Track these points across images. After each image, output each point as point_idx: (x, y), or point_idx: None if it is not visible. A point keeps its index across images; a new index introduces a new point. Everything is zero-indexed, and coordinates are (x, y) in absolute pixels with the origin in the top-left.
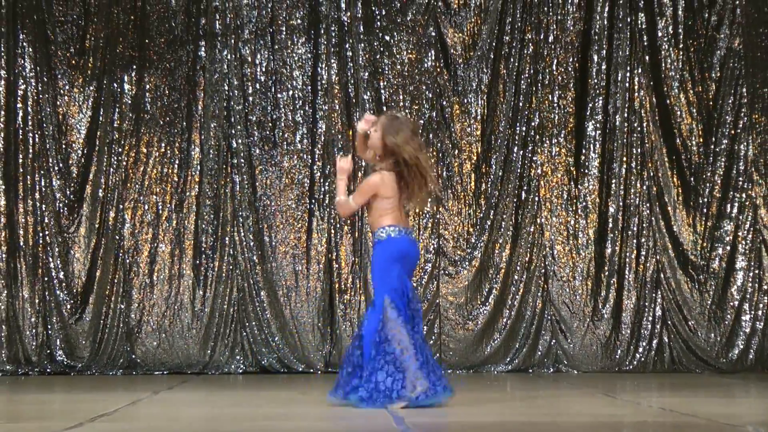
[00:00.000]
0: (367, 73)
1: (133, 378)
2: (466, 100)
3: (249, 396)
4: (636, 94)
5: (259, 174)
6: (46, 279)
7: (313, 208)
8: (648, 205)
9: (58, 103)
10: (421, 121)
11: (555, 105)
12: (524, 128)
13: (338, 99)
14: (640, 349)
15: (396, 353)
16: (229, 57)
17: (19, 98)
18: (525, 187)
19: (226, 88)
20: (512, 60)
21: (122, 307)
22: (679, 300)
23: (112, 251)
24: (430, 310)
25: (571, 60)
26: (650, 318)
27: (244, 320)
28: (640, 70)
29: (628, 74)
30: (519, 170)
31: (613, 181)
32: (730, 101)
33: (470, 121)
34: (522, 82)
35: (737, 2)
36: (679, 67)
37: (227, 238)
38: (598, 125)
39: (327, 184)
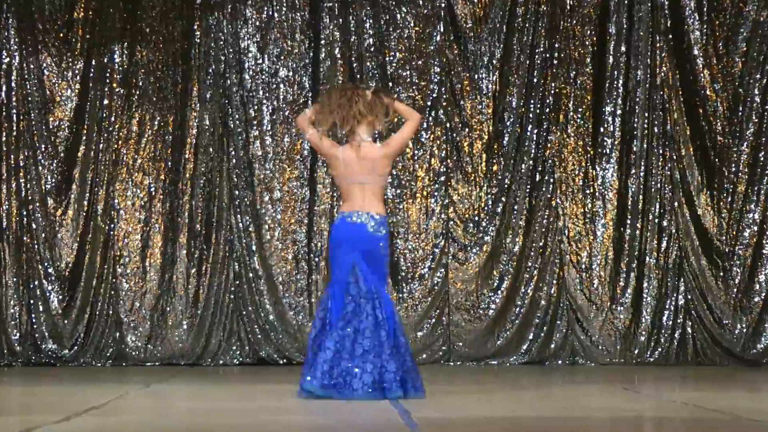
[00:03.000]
0: (371, 48)
1: (124, 369)
2: (476, 76)
3: (246, 388)
4: (657, 69)
5: (257, 154)
6: (31, 265)
7: (315, 189)
8: (670, 187)
9: (45, 78)
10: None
11: (571, 81)
12: (538, 106)
13: (341, 75)
14: (662, 340)
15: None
16: (225, 30)
17: (2, 73)
18: (539, 168)
19: (223, 63)
20: (526, 33)
21: (112, 294)
22: (703, 288)
23: (102, 235)
24: (438, 298)
25: (588, 33)
26: (672, 307)
27: (241, 308)
28: (661, 45)
29: (649, 49)
30: (533, 150)
31: (633, 161)
32: (758, 77)
33: (481, 98)
34: (536, 56)
35: None
36: (704, 41)
37: (223, 222)
38: (617, 103)
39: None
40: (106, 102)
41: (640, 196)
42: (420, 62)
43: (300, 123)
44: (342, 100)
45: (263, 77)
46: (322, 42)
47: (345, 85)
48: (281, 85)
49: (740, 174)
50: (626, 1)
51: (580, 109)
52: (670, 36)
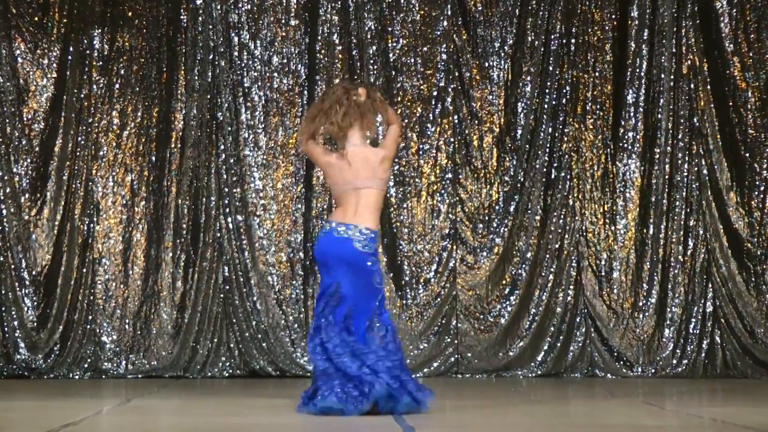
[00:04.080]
0: (372, 33)
1: (103, 382)
2: (487, 64)
3: (236, 403)
4: (683, 56)
5: (248, 149)
6: (3, 269)
7: (311, 186)
8: (697, 184)
9: (18, 66)
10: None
11: (590, 69)
12: (554, 96)
13: (340, 62)
14: (688, 351)
15: None
16: (214, 14)
17: None
18: (555, 164)
19: (211, 49)
20: (540, 17)
21: (91, 300)
22: (733, 294)
23: (80, 237)
24: (445, 305)
25: (608, 17)
26: (699, 315)
27: (230, 316)
28: (688, 30)
29: (674, 34)
30: (548, 144)
31: (657, 156)
32: None
33: (492, 87)
34: (552, 42)
35: None
36: (733, 26)
37: (212, 222)
38: (639, 93)
39: None
40: (84, 92)
41: (665, 194)
42: (425, 49)
43: (299, 137)
44: (330, 104)
45: (255, 65)
46: (319, 27)
47: (336, 87)
48: (275, 74)
49: None
50: None
51: (599, 100)
52: (698, 20)
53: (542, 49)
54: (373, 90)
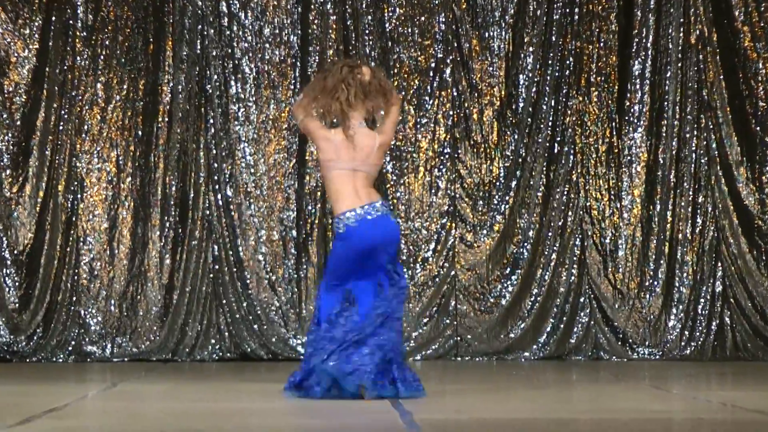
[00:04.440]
0: (368, 2)
1: (88, 366)
2: (487, 34)
3: (227, 387)
4: (691, 26)
5: (238, 123)
6: None
7: (305, 162)
8: (705, 159)
9: None
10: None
11: (594, 39)
12: (557, 67)
13: (334, 32)
14: (696, 332)
15: None
16: None
17: None
18: (558, 138)
19: (200, 19)
20: None
21: (75, 280)
22: (743, 273)
23: (64, 214)
24: (443, 285)
25: None
26: (708, 295)
27: (221, 297)
28: None
29: (682, 3)
30: (550, 118)
31: (664, 131)
32: None
33: (492, 59)
34: (554, 12)
35: None
36: None
37: (201, 199)
38: (645, 64)
39: None
40: (68, 63)
41: (672, 170)
42: (423, 18)
43: (294, 111)
44: (334, 83)
45: (246, 36)
46: None
47: (340, 65)
48: (266, 45)
49: None
50: None
51: (603, 72)
52: None
53: (544, 19)
54: (377, 70)
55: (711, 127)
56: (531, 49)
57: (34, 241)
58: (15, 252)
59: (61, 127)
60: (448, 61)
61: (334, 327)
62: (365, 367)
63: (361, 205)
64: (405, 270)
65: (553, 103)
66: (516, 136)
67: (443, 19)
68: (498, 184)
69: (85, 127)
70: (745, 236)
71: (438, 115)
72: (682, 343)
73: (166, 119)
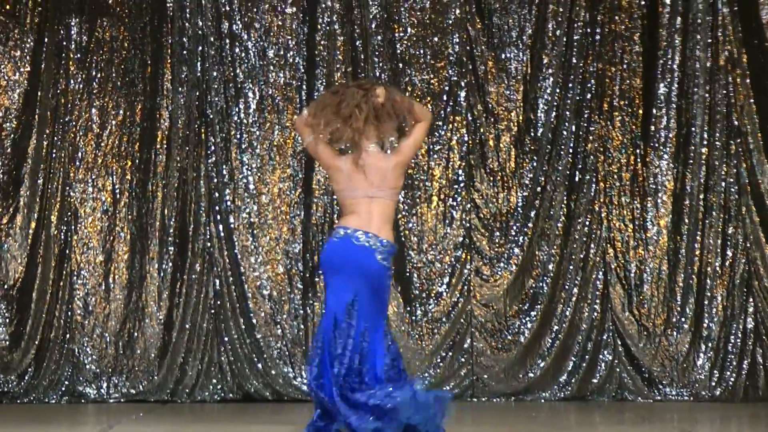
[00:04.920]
0: (377, 21)
1: (82, 407)
2: (503, 56)
3: (228, 430)
4: (720, 47)
5: (241, 149)
6: None
7: (311, 191)
8: (736, 188)
9: None
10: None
11: (617, 60)
12: (578, 91)
13: (341, 54)
14: (727, 372)
15: None
16: (203, 1)
17: None
18: (579, 166)
19: (201, 40)
20: (562, 4)
21: (68, 317)
22: None
23: (56, 246)
24: (458, 321)
25: (637, 4)
26: (739, 332)
27: (222, 334)
28: (725, 17)
29: (710, 23)
30: (571, 144)
31: (692, 157)
32: None
33: (509, 81)
34: (575, 32)
35: None
36: None
37: (201, 230)
38: (671, 87)
39: None
40: (61, 87)
41: (700, 199)
42: (435, 39)
43: (298, 126)
44: (350, 109)
45: (249, 57)
46: (319, 15)
47: (353, 86)
48: (270, 67)
49: None
50: None
51: (627, 95)
52: (735, 7)
53: (564, 39)
54: (393, 90)
55: (741, 153)
56: (550, 71)
57: (26, 275)
58: (5, 287)
59: (53, 155)
60: (463, 84)
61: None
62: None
63: (357, 227)
64: (416, 306)
65: (573, 129)
66: (535, 164)
67: (457, 40)
68: (516, 214)
69: (79, 154)
70: None
71: (452, 141)
72: (712, 384)
73: (165, 146)
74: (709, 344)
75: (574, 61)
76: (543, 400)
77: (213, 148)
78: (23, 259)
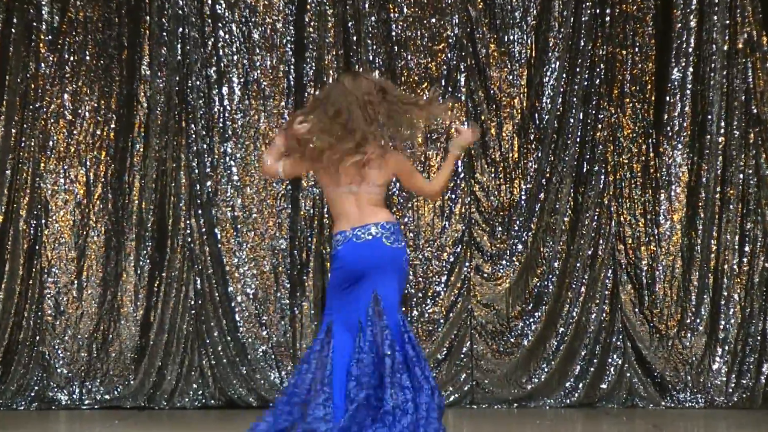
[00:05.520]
0: (371, 1)
1: (53, 414)
2: (506, 38)
3: None
4: (739, 28)
5: (224, 139)
6: None
7: (299, 184)
8: (755, 180)
9: None
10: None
11: (628, 43)
12: (586, 76)
13: (332, 37)
14: (745, 378)
15: None
16: None
17: None
18: (587, 156)
19: (181, 21)
20: None
21: (38, 317)
22: None
23: (26, 242)
24: (457, 323)
25: None
26: (758, 334)
27: (203, 336)
28: None
29: (727, 3)
30: (579, 133)
31: (708, 147)
32: None
33: (512, 66)
34: (583, 12)
35: None
36: None
37: (181, 224)
38: (687, 71)
39: None
40: (30, 71)
41: (717, 192)
42: (434, 20)
43: (267, 168)
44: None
45: (233, 40)
46: None
47: (346, 90)
48: (255, 50)
49: None
50: None
51: (639, 81)
52: None
53: (572, 20)
54: (392, 88)
55: (760, 143)
56: (556, 54)
57: None
58: None
59: (22, 144)
60: (462, 68)
61: (299, 373)
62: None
63: (352, 226)
64: (413, 305)
65: (581, 116)
66: (539, 154)
67: (456, 21)
68: (519, 208)
69: (50, 143)
70: None
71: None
72: (729, 389)
73: (142, 134)
74: (726, 347)
75: (582, 43)
76: (547, 407)
77: (194, 136)
78: None
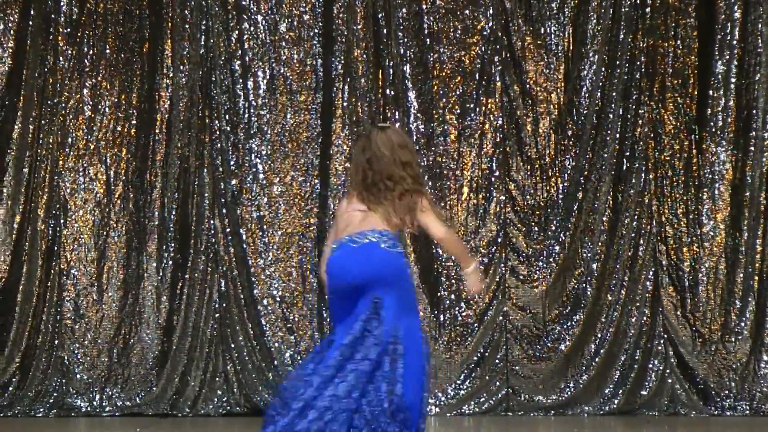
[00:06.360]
0: None
1: (72, 421)
2: (542, 30)
3: None
4: None
5: (249, 135)
6: None
7: (328, 182)
8: None
9: None
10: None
11: (670, 36)
12: (626, 69)
13: (362, 29)
14: None
15: None
16: None
17: None
18: (626, 153)
19: (205, 13)
20: None
21: (57, 321)
22: None
23: (44, 242)
24: (491, 327)
25: None
26: None
27: (228, 340)
28: None
29: None
30: (618, 129)
31: (753, 144)
32: None
33: (549, 59)
34: (622, 3)
35: None
36: None
37: (205, 224)
38: (731, 65)
39: (346, 147)
40: (49, 65)
41: (762, 191)
42: (467, 12)
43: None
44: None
45: (258, 33)
46: None
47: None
48: (282, 43)
49: None
50: None
51: (681, 74)
52: None
53: (611, 12)
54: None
55: None
56: (595, 47)
57: (10, 275)
58: None
59: (40, 141)
60: (497, 62)
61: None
62: None
63: (350, 232)
64: (444, 309)
65: (621, 112)
66: (577, 151)
67: (491, 13)
68: (556, 207)
69: (69, 140)
70: None
71: (485, 126)
72: None
73: (164, 130)
74: None
75: (622, 36)
76: (586, 415)
77: (218, 133)
78: (7, 257)
